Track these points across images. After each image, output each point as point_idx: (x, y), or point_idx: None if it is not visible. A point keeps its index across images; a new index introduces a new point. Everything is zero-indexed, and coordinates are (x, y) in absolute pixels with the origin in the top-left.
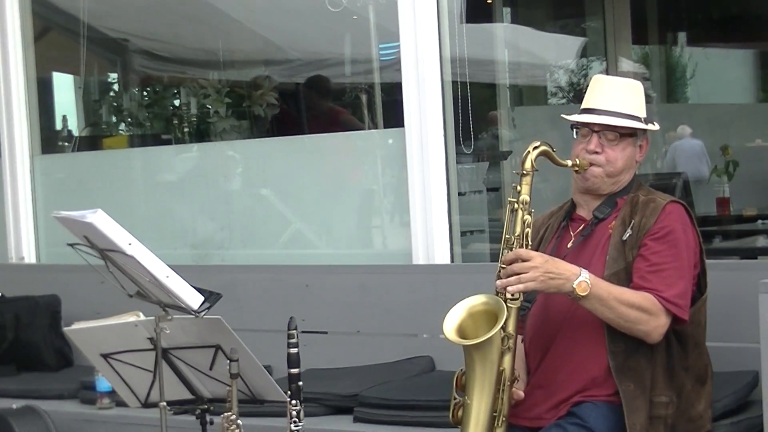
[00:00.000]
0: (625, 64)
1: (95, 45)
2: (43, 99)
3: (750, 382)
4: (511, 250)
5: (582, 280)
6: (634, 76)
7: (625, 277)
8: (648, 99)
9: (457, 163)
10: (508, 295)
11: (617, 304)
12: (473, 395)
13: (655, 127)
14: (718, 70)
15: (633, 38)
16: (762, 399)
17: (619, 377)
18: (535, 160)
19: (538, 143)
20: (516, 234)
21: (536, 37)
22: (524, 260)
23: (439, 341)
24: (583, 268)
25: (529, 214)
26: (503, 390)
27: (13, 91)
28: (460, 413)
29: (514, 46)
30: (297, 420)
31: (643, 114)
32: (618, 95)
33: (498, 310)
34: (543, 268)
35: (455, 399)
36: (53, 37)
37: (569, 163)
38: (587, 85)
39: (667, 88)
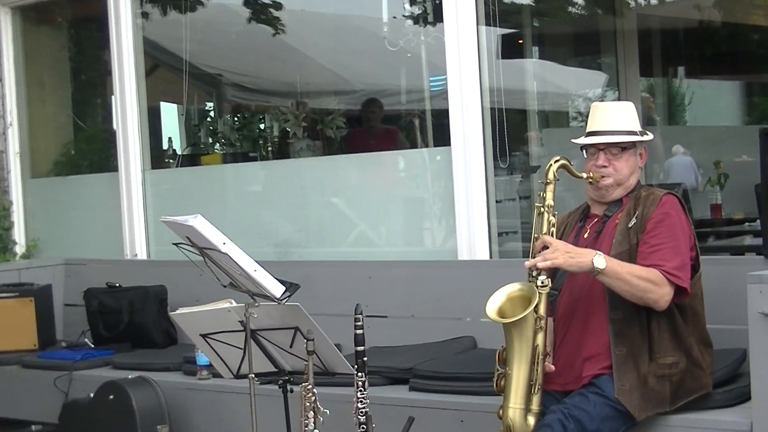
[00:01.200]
0: (635, 94)
1: (195, 79)
2: (153, 124)
3: (739, 358)
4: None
5: (598, 255)
6: (644, 100)
7: (627, 258)
8: (653, 122)
9: (494, 175)
10: (538, 282)
11: (630, 276)
12: (513, 366)
13: (650, 136)
14: (711, 98)
15: (640, 71)
16: (749, 371)
17: (615, 341)
18: (556, 171)
19: (558, 157)
20: (543, 233)
21: (560, 71)
22: (548, 246)
23: (480, 324)
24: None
25: (553, 216)
26: (537, 363)
27: (128, 117)
28: (502, 383)
29: (541, 78)
30: (362, 389)
31: (638, 128)
32: (614, 116)
33: (531, 294)
34: (564, 249)
35: (498, 371)
36: (161, 73)
37: (584, 175)
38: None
39: (668, 113)
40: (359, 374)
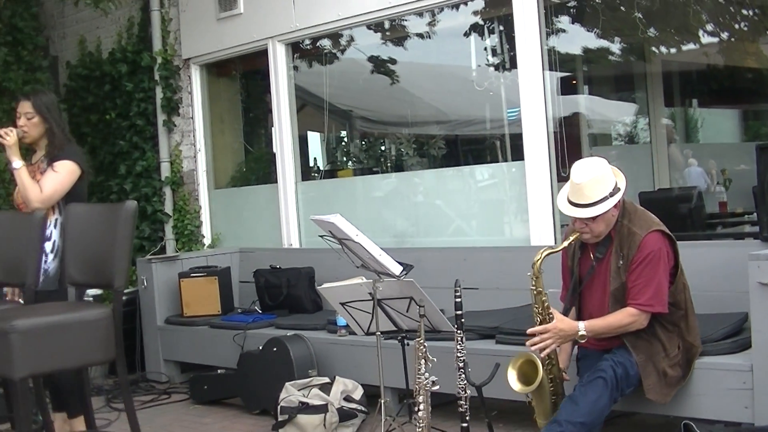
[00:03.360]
0: (661, 120)
1: (333, 114)
2: (302, 147)
3: (742, 318)
4: (540, 316)
5: (581, 333)
6: (666, 127)
7: (621, 291)
8: (673, 140)
9: (557, 181)
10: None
11: (608, 329)
12: (536, 402)
13: (620, 193)
14: (717, 122)
15: (665, 103)
16: (750, 327)
17: (634, 350)
18: (540, 265)
19: (539, 255)
20: (540, 310)
21: (604, 103)
22: (545, 332)
23: (548, 291)
24: (600, 287)
25: (545, 296)
26: (556, 384)
27: (284, 143)
28: (533, 403)
29: (590, 109)
30: (461, 342)
31: (609, 190)
32: (585, 193)
33: (533, 358)
34: (557, 335)
35: (528, 397)
36: (307, 110)
37: (565, 244)
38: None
39: (685, 134)
40: (458, 331)
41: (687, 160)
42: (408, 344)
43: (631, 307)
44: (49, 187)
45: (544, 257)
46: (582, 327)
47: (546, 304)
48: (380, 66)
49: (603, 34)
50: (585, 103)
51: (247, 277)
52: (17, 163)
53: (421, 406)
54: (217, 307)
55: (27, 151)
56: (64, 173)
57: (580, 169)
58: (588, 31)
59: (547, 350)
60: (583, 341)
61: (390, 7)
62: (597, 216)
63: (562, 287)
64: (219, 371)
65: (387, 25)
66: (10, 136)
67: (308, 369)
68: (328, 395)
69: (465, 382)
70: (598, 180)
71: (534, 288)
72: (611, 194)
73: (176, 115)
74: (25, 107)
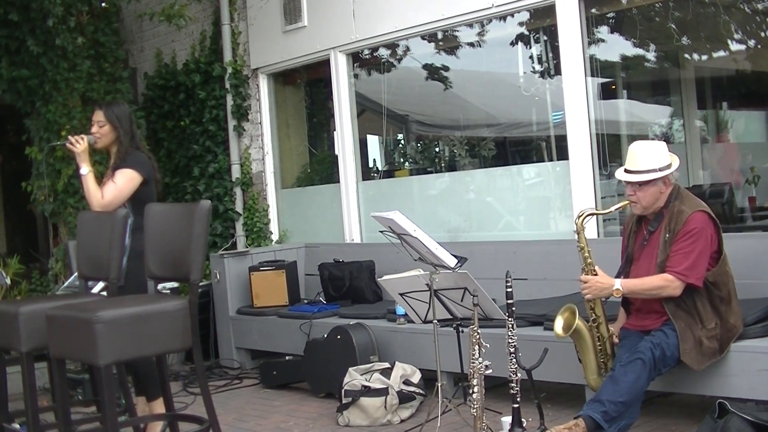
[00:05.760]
0: (694, 122)
1: (390, 118)
2: (362, 150)
3: None
4: (584, 271)
5: (615, 288)
6: (699, 128)
7: (665, 263)
8: (705, 140)
9: (599, 179)
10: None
11: (642, 290)
12: (584, 357)
13: (671, 169)
14: (746, 123)
15: (697, 105)
16: None
17: (674, 318)
18: (582, 223)
19: (581, 212)
20: (585, 265)
21: (641, 107)
22: (585, 282)
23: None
24: (649, 258)
25: (588, 253)
26: (603, 344)
27: (346, 145)
28: (582, 361)
29: (629, 112)
30: (512, 329)
31: (660, 164)
32: (642, 158)
33: (574, 308)
34: (595, 287)
35: (578, 354)
36: (367, 115)
37: (612, 208)
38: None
39: (716, 133)
40: (509, 319)
41: None
42: (462, 331)
43: (667, 273)
44: (109, 194)
45: (586, 216)
46: (618, 283)
47: (588, 260)
48: (434, 73)
49: (640, 43)
50: (624, 106)
51: (312, 270)
52: (84, 169)
53: (476, 389)
54: (284, 298)
55: (107, 155)
56: (122, 182)
57: (639, 143)
58: (626, 40)
59: (589, 297)
60: (618, 296)
61: (443, 19)
62: (644, 184)
63: (620, 266)
64: (287, 358)
65: (440, 35)
66: (81, 144)
67: (370, 355)
68: (389, 379)
69: (516, 365)
70: (651, 154)
71: (578, 244)
72: (661, 169)
73: (245, 121)
74: (98, 116)
